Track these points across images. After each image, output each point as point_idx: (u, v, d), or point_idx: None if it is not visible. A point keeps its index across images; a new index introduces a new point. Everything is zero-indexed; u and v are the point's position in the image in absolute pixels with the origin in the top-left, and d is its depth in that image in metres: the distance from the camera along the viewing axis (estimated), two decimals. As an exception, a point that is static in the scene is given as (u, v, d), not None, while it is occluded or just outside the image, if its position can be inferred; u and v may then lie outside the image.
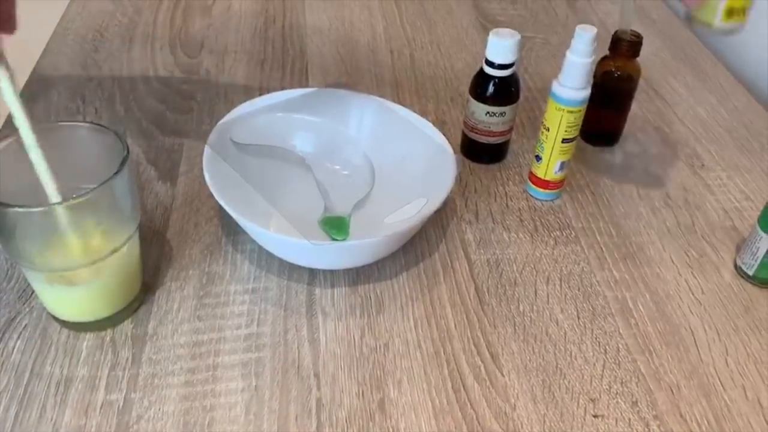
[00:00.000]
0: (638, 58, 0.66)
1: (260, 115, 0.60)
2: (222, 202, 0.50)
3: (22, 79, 0.74)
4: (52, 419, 0.44)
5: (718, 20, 0.50)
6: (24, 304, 0.50)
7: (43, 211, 0.42)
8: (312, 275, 0.54)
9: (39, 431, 0.43)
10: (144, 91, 0.74)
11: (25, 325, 0.49)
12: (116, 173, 0.44)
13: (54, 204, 0.42)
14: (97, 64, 0.77)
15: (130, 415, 0.45)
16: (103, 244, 0.46)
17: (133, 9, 0.88)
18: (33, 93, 0.72)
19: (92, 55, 0.79)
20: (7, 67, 0.41)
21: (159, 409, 0.45)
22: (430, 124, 0.60)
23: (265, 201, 0.55)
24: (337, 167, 0.62)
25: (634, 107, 0.72)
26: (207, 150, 0.55)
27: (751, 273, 0.56)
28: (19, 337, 0.48)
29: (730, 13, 0.50)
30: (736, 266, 0.58)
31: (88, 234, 0.45)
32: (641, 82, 0.80)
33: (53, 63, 0.77)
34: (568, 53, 0.56)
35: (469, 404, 0.47)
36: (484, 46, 0.62)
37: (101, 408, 0.45)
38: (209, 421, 0.45)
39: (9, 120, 0.66)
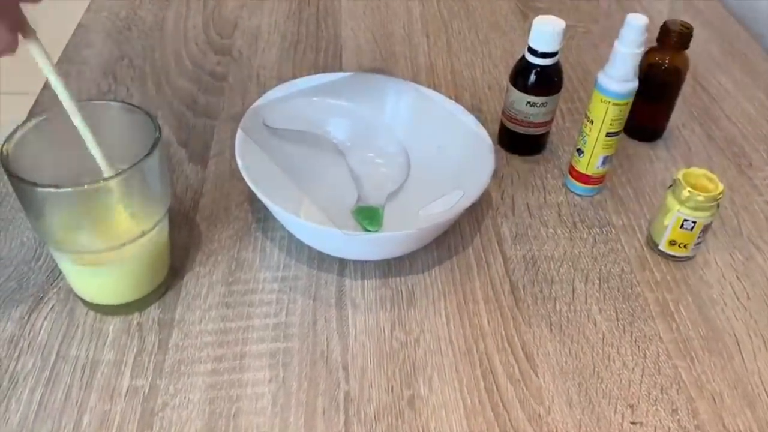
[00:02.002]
0: (687, 51, 0.63)
1: (294, 100, 0.59)
2: (253, 187, 0.49)
3: (54, 56, 0.74)
4: (77, 402, 0.43)
5: None
6: (52, 284, 0.50)
7: (70, 191, 0.41)
8: (342, 265, 0.53)
9: (64, 414, 0.43)
10: (176, 71, 0.73)
11: (53, 306, 0.49)
12: (147, 155, 0.42)
13: (82, 185, 0.41)
14: (129, 42, 0.76)
15: (155, 401, 0.44)
16: (132, 227, 0.45)
17: (167, -13, 0.87)
18: (65, 70, 0.71)
19: (125, 33, 0.78)
20: (38, 42, 0.39)
21: (184, 397, 0.44)
22: (468, 113, 0.58)
23: (298, 188, 0.54)
24: (371, 155, 0.60)
25: (679, 102, 0.69)
26: (240, 133, 0.53)
27: (800, 279, 0.54)
28: (45, 318, 0.48)
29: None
30: (784, 271, 0.55)
31: (116, 216, 0.44)
32: (687, 76, 0.77)
33: (86, 40, 0.76)
34: (616, 43, 0.54)
35: (501, 405, 0.45)
36: (523, 33, 0.60)
37: (126, 393, 0.44)
38: (235, 411, 0.44)
39: (40, 97, 0.66)
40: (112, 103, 0.46)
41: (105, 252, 0.45)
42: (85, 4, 0.83)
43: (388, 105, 0.60)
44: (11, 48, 0.37)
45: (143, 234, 0.45)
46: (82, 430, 0.42)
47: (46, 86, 0.69)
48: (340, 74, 0.61)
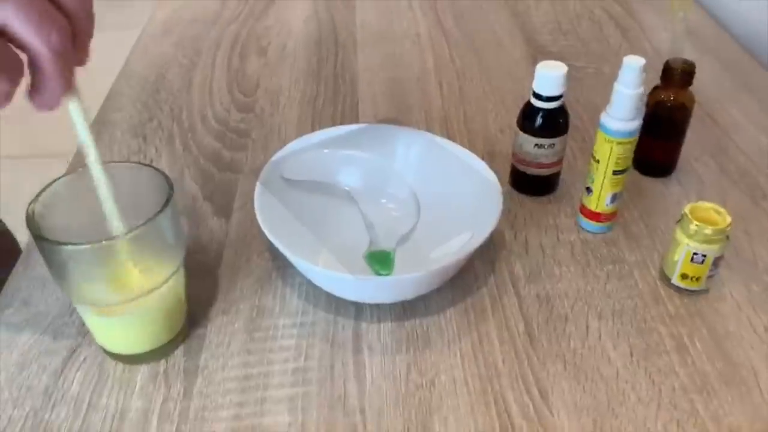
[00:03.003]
0: (693, 86, 0.64)
1: (309, 152, 0.62)
2: (271, 238, 0.52)
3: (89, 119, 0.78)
4: (107, 450, 0.46)
5: None
6: (84, 337, 0.53)
7: (81, 248, 0.43)
8: (359, 309, 0.55)
9: (95, 461, 0.45)
10: (202, 129, 0.76)
11: (85, 358, 0.51)
12: (158, 213, 0.45)
13: (88, 243, 0.43)
14: (158, 105, 0.81)
15: (180, 447, 0.46)
16: (143, 282, 0.47)
17: (193, 51, 0.92)
18: (98, 132, 0.76)
19: (154, 96, 0.82)
20: (79, 100, 0.42)
21: (208, 443, 0.46)
22: (477, 158, 0.60)
23: (314, 236, 0.56)
24: (383, 201, 0.63)
25: (691, 136, 0.70)
26: (258, 187, 0.56)
27: (818, 309, 0.54)
28: (78, 370, 0.50)
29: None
30: (802, 302, 0.55)
31: (127, 272, 0.47)
32: (698, 109, 0.78)
33: (117, 104, 0.81)
34: (616, 84, 0.55)
35: (516, 444, 0.46)
36: (533, 78, 0.61)
37: (153, 440, 0.46)
38: (256, 455, 0.45)
39: (75, 159, 0.70)
40: (129, 163, 0.50)
41: (119, 304, 0.48)
42: (115, 64, 0.88)
43: (398, 153, 0.63)
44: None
45: (155, 288, 0.47)
46: (111, 476, 0.44)
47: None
48: (354, 126, 0.64)
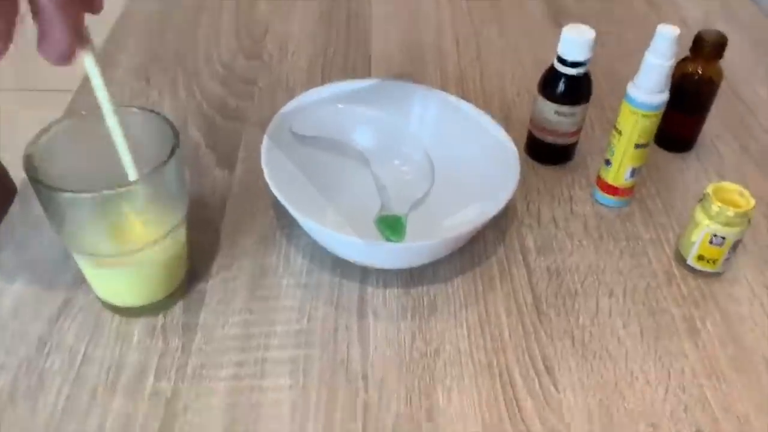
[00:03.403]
0: (721, 61, 0.62)
1: (321, 107, 0.59)
2: (278, 196, 0.50)
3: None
4: (102, 403, 0.44)
5: None
6: (80, 286, 0.51)
7: (83, 197, 0.41)
8: (365, 274, 0.53)
9: (89, 414, 0.44)
10: (207, 74, 0.73)
11: (80, 308, 0.50)
12: (163, 164, 0.43)
13: (93, 191, 0.41)
14: (163, 46, 0.77)
15: (177, 405, 0.44)
16: (144, 234, 0.45)
17: (201, -9, 0.88)
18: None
19: (158, 37, 0.79)
20: (94, 53, 0.40)
21: (206, 401, 0.45)
22: (495, 122, 0.57)
23: (322, 195, 0.54)
24: (397, 163, 0.60)
25: (713, 112, 0.68)
26: (266, 140, 0.54)
27: (834, 299, 0.52)
28: (74, 319, 0.49)
29: None
30: (818, 290, 0.54)
31: (129, 223, 0.45)
32: (723, 85, 0.75)
33: (121, 42, 0.78)
34: (647, 53, 0.53)
35: (520, 419, 0.45)
36: (555, 41, 0.59)
37: (150, 396, 0.45)
38: (254, 417, 0.44)
39: (77, 95, 0.67)
40: (134, 109, 0.47)
41: (119, 256, 0.46)
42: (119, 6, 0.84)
43: (414, 113, 0.60)
44: None
45: (157, 241, 0.46)
46: (105, 431, 0.43)
47: (85, 82, 0.70)
48: (367, 81, 0.62)
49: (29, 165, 0.42)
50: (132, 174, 0.43)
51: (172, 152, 0.44)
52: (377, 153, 0.60)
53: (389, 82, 0.63)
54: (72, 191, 0.41)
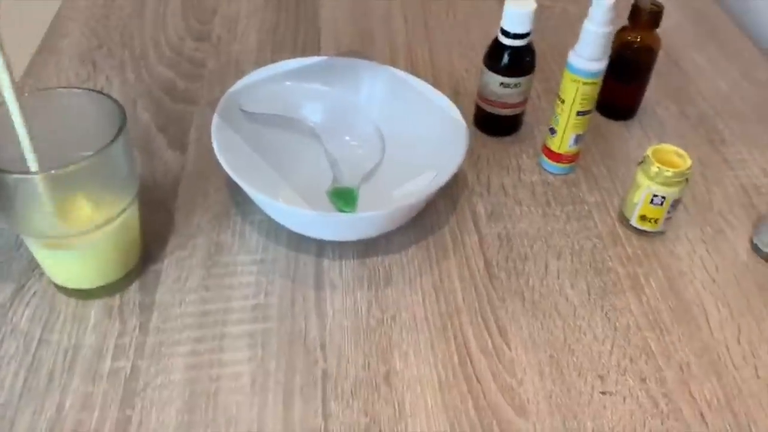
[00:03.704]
0: (659, 30, 0.64)
1: (270, 84, 0.60)
2: (230, 172, 0.50)
3: (34, 44, 0.74)
4: (60, 385, 0.44)
5: None
6: (33, 271, 0.51)
7: (28, 178, 0.41)
8: (320, 247, 0.54)
9: (47, 397, 0.44)
10: (155, 58, 0.73)
11: (35, 292, 0.49)
12: (111, 142, 0.43)
13: (42, 172, 0.41)
14: (108, 30, 0.76)
15: (137, 382, 0.45)
16: (95, 214, 0.45)
17: (145, -26, 0.87)
18: (43, 59, 0.71)
19: (103, 21, 0.78)
20: None
21: (166, 378, 0.45)
22: (443, 95, 0.59)
23: (275, 171, 0.55)
24: (347, 138, 0.61)
25: (654, 80, 0.70)
26: (216, 119, 0.54)
27: (767, 251, 0.55)
28: (27, 305, 0.49)
29: None
30: (752, 244, 0.57)
31: (77, 203, 0.45)
32: (662, 55, 0.78)
33: (64, 28, 0.76)
34: (585, 22, 0.55)
35: (474, 378, 0.47)
36: (501, 15, 0.60)
37: (108, 375, 0.45)
38: (215, 390, 0.45)
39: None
40: (79, 90, 0.47)
41: (69, 237, 0.46)
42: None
43: (363, 88, 0.61)
44: None
45: (107, 222, 0.46)
46: (65, 412, 0.43)
47: (31, 69, 0.69)
48: (316, 58, 0.62)
49: None
50: (33, 164, 0.43)
51: (120, 130, 0.44)
52: (328, 128, 0.61)
53: (338, 59, 0.63)
54: (19, 172, 0.40)
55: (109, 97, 0.46)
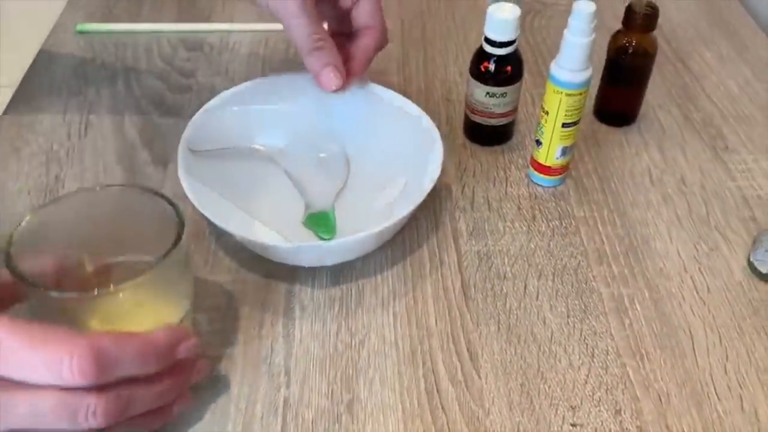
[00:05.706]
0: (667, 29, 0.61)
1: (216, 115, 0.56)
2: (202, 209, 0.48)
3: (31, 56, 0.74)
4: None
5: None
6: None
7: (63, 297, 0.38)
8: (293, 269, 0.53)
9: None
10: (146, 68, 0.73)
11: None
12: (164, 256, 0.39)
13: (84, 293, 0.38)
14: (102, 42, 0.77)
15: (98, 409, 0.45)
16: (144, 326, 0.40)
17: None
18: (38, 69, 0.72)
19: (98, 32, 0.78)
20: None
21: (128, 404, 0.45)
22: (411, 102, 0.57)
23: (243, 211, 0.54)
24: (310, 158, 0.58)
25: (656, 81, 0.67)
26: (180, 153, 0.52)
27: (764, 271, 0.52)
28: None
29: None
30: (749, 263, 0.53)
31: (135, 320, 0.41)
32: (669, 53, 0.74)
33: (60, 40, 0.77)
34: (565, 32, 0.52)
35: (440, 408, 0.45)
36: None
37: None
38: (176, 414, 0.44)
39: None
40: (128, 187, 0.45)
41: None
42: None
43: (325, 104, 0.58)
44: None
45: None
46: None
47: (25, 80, 0.70)
48: (273, 77, 0.60)
49: (11, 265, 0.38)
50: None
51: (176, 242, 0.40)
52: (289, 151, 0.58)
53: (287, 75, 0.59)
54: (56, 290, 0.38)
55: (162, 195, 0.42)
